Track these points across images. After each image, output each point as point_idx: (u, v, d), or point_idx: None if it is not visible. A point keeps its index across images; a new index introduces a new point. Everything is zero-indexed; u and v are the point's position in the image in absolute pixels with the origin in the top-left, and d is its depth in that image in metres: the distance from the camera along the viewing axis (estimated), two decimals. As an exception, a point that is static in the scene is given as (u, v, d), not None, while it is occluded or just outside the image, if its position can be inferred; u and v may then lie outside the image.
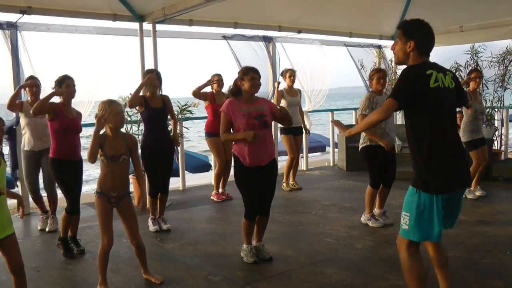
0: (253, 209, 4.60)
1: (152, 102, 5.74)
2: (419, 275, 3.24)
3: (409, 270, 3.26)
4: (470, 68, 9.12)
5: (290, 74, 7.83)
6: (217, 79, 7.19)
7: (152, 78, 5.58)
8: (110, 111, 3.93)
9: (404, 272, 3.31)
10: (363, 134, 5.73)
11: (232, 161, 4.70)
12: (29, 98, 6.01)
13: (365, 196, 5.87)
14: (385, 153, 5.62)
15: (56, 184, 5.38)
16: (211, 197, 7.42)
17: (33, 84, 5.96)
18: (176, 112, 6.71)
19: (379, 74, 5.78)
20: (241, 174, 4.54)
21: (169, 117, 6.03)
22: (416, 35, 3.11)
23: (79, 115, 5.28)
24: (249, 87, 4.47)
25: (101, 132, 3.99)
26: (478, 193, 7.13)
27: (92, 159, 3.94)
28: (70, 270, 4.68)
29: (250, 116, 4.42)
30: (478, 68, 8.77)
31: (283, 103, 7.67)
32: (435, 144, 3.06)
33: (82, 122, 5.38)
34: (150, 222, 5.89)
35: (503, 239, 5.23)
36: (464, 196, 7.01)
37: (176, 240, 5.47)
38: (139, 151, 4.76)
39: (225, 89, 7.22)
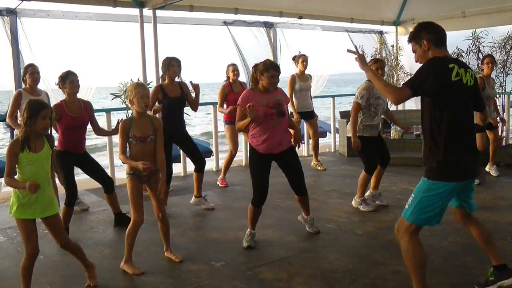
0: (259, 196, 4.69)
1: (170, 91, 5.85)
2: (421, 261, 3.32)
3: (412, 256, 3.32)
4: (472, 54, 9.10)
5: (303, 59, 7.91)
6: (233, 69, 7.35)
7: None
8: (135, 94, 4.14)
9: (406, 259, 3.36)
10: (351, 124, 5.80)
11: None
12: (27, 85, 5.92)
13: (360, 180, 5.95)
14: (376, 140, 5.83)
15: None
16: (217, 182, 7.49)
17: (35, 70, 5.94)
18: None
19: (377, 64, 5.73)
20: (255, 159, 4.70)
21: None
22: (424, 33, 3.34)
23: (85, 107, 5.26)
24: (267, 84, 4.57)
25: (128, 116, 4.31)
26: (493, 173, 7.58)
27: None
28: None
29: (268, 106, 4.55)
30: (490, 53, 8.74)
31: (296, 86, 7.86)
32: (453, 135, 3.21)
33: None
34: None
35: (503, 225, 5.24)
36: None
37: (178, 226, 5.48)
38: None
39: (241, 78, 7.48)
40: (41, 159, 3.59)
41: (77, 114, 5.14)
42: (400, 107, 10.82)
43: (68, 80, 5.11)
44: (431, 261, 4.32)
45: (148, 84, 7.41)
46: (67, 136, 5.13)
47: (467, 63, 9.26)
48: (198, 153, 6.12)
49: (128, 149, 4.28)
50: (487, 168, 7.57)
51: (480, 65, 7.42)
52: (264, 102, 4.55)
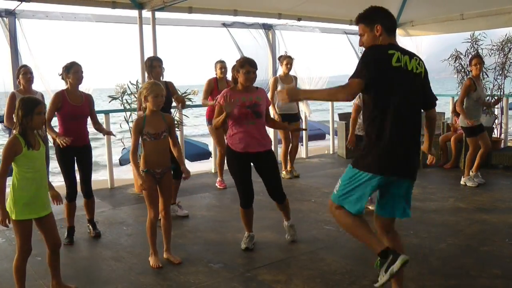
0: (246, 197, 4.64)
1: None
2: (356, 221, 3.22)
3: (347, 224, 3.25)
4: (470, 56, 9.10)
5: (287, 61, 7.82)
6: (221, 66, 7.30)
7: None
8: (150, 92, 4.22)
9: (348, 229, 3.30)
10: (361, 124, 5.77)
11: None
12: (21, 86, 5.88)
13: None
14: None
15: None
16: (216, 184, 7.49)
17: (27, 70, 5.87)
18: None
19: None
20: (233, 161, 4.63)
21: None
22: (379, 17, 3.16)
23: (86, 98, 5.20)
24: (243, 81, 4.51)
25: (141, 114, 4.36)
26: (476, 180, 7.15)
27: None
28: (71, 258, 4.71)
29: (243, 105, 4.48)
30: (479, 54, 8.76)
31: (278, 88, 7.73)
32: (388, 126, 3.03)
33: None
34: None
35: (502, 227, 5.25)
36: (464, 183, 7.06)
37: (176, 227, 5.47)
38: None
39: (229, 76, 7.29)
40: (41, 155, 3.60)
41: (78, 104, 5.06)
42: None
43: (73, 70, 5.04)
44: (429, 263, 4.33)
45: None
46: (67, 126, 5.00)
47: (466, 65, 9.31)
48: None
49: (141, 147, 4.35)
50: (462, 178, 7.25)
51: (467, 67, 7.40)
52: (240, 101, 4.48)
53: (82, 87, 6.94)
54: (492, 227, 5.27)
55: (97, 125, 5.32)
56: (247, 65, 4.48)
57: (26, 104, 3.52)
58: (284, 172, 8.00)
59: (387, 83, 3.02)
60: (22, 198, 3.51)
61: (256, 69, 4.58)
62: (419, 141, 3.22)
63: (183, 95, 7.34)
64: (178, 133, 7.78)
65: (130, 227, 5.59)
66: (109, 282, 4.11)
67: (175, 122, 7.31)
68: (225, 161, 7.29)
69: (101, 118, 7.40)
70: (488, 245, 4.72)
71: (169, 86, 5.85)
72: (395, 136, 3.03)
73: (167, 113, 5.88)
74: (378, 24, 3.13)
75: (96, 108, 5.42)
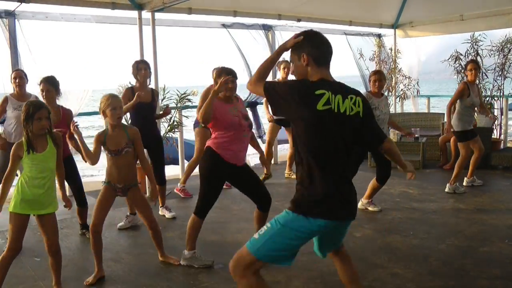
0: (208, 204, 4.33)
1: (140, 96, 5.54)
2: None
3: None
4: (470, 57, 9.11)
5: (285, 66, 7.69)
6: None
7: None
8: (108, 105, 4.04)
9: None
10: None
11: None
12: (14, 90, 5.66)
13: (368, 185, 5.99)
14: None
15: None
16: (177, 191, 7.10)
17: (17, 75, 5.61)
18: (175, 101, 6.70)
19: (375, 76, 5.76)
20: (213, 164, 4.24)
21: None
22: (306, 45, 2.72)
23: (65, 116, 5.07)
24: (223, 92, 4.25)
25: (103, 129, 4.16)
26: (475, 183, 7.19)
27: (92, 160, 4.09)
28: (70, 259, 4.70)
29: (242, 117, 4.29)
30: (474, 58, 8.74)
31: None
32: (312, 171, 2.72)
33: (79, 111, 5.31)
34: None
35: (502, 228, 5.25)
36: (452, 191, 6.93)
37: (176, 228, 5.48)
38: None
39: None
40: (46, 158, 3.63)
41: (53, 123, 4.95)
42: (398, 110, 10.86)
43: (40, 88, 4.99)
44: (429, 263, 4.33)
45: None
46: None
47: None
48: (161, 171, 5.91)
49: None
50: (465, 183, 7.15)
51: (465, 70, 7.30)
52: (235, 112, 4.25)
53: (82, 89, 6.99)
54: (492, 228, 5.27)
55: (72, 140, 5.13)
56: (224, 74, 4.22)
57: (28, 109, 3.55)
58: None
59: (306, 127, 2.66)
60: (22, 193, 3.58)
61: (236, 78, 4.36)
62: (349, 182, 2.85)
63: (182, 95, 7.35)
64: (177, 134, 7.78)
65: (129, 228, 5.58)
66: (109, 283, 4.10)
67: (175, 123, 7.33)
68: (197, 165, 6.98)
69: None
70: (488, 246, 4.72)
71: (155, 94, 5.85)
72: (321, 181, 2.71)
73: (151, 120, 5.80)
74: (304, 53, 2.71)
75: (96, 109, 5.39)
